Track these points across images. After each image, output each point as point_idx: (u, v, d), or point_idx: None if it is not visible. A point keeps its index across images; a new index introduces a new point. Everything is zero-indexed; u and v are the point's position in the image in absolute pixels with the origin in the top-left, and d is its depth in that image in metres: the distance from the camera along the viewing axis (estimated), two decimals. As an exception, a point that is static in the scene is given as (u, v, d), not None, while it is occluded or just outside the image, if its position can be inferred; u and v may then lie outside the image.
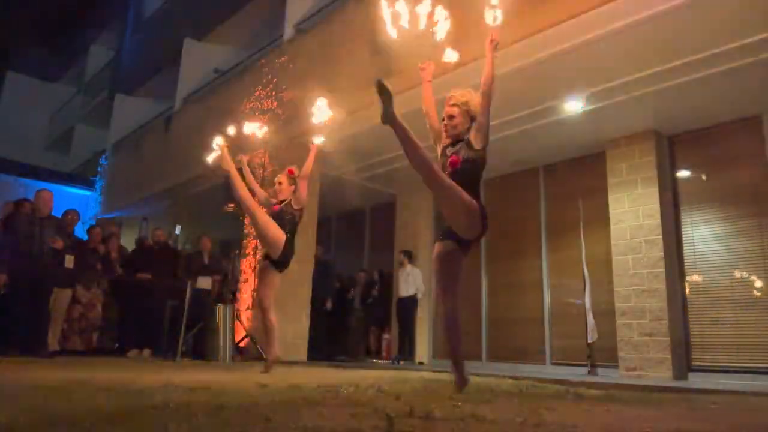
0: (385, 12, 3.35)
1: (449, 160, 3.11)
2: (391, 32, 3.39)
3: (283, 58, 8.12)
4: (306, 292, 7.42)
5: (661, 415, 2.31)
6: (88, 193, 14.39)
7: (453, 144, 3.18)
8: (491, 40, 3.19)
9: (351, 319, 9.28)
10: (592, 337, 6.49)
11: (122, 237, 8.84)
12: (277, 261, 4.31)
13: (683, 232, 6.38)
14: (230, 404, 2.12)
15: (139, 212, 12.07)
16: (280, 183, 4.56)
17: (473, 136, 3.09)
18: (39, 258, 5.87)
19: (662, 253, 6.14)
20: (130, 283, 7.13)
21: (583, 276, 6.74)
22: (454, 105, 3.25)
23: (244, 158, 4.68)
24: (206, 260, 7.60)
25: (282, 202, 4.48)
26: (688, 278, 6.25)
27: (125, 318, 7.12)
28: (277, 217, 4.35)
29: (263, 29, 10.12)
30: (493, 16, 3.22)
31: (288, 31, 8.33)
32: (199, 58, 11.46)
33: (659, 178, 6.37)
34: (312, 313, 7.50)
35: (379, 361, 8.28)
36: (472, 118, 3.19)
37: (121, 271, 7.28)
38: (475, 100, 3.19)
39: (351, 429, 1.65)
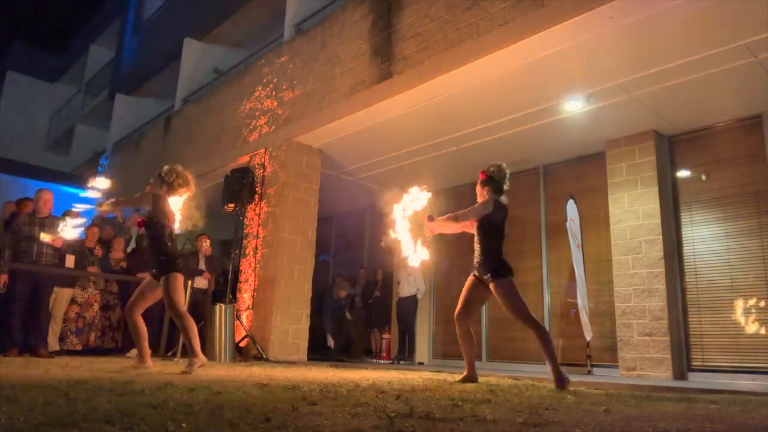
0: None
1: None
2: None
3: (283, 58, 8.12)
4: (306, 293, 7.43)
5: (661, 415, 2.31)
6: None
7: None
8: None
9: (351, 318, 9.28)
10: (587, 335, 6.49)
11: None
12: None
13: (683, 232, 6.38)
14: (230, 404, 2.12)
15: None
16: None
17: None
18: (39, 258, 5.88)
19: (662, 253, 6.14)
20: (129, 283, 7.12)
21: (575, 275, 6.75)
22: None
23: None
24: (203, 259, 7.60)
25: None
26: (688, 278, 6.25)
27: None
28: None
29: (263, 29, 10.12)
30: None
31: (288, 31, 8.33)
32: (199, 58, 11.46)
33: (659, 178, 6.37)
34: (312, 316, 7.52)
35: (379, 361, 8.28)
36: None
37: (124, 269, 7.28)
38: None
39: (351, 429, 1.65)
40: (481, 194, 4.22)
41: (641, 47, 5.02)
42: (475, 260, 4.12)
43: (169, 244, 4.34)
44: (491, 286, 3.98)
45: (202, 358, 4.14)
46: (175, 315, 4.19)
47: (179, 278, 4.26)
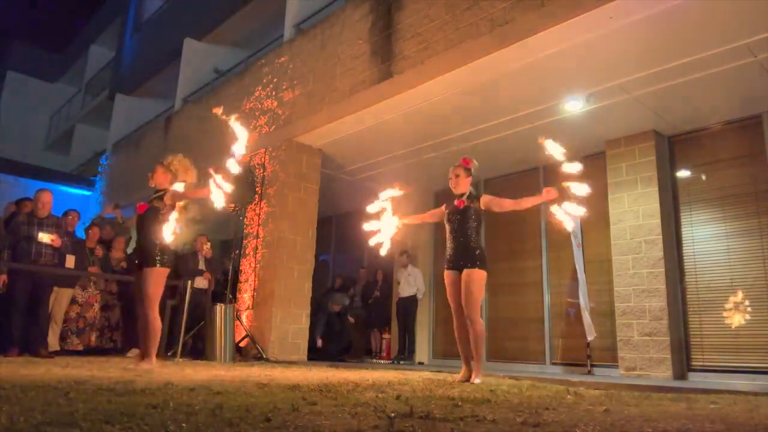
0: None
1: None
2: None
3: (283, 58, 8.12)
4: (306, 293, 7.42)
5: (661, 415, 2.31)
6: (88, 193, 14.39)
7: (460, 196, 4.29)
8: (548, 196, 4.28)
9: (351, 318, 9.28)
10: (590, 335, 6.49)
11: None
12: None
13: (683, 232, 6.38)
14: (230, 404, 2.12)
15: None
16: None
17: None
18: (38, 258, 5.87)
19: (662, 253, 6.14)
20: (129, 283, 7.12)
21: (577, 275, 6.74)
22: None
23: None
24: (202, 259, 7.60)
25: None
26: (688, 278, 6.25)
27: (126, 318, 7.12)
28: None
29: (263, 29, 10.12)
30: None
31: (288, 31, 8.33)
32: (199, 58, 11.46)
33: (659, 178, 6.37)
34: (312, 317, 7.53)
35: (379, 361, 8.27)
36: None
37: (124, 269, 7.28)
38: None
39: (351, 429, 1.65)
40: (464, 180, 4.31)
41: (641, 47, 5.02)
42: (460, 250, 4.12)
43: (160, 234, 4.40)
44: (468, 271, 4.02)
45: (153, 361, 4.32)
46: (145, 314, 4.27)
47: (159, 273, 4.36)
